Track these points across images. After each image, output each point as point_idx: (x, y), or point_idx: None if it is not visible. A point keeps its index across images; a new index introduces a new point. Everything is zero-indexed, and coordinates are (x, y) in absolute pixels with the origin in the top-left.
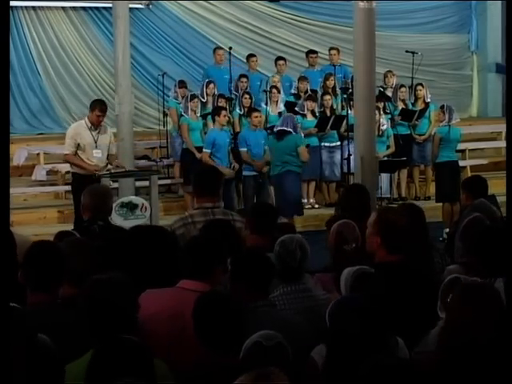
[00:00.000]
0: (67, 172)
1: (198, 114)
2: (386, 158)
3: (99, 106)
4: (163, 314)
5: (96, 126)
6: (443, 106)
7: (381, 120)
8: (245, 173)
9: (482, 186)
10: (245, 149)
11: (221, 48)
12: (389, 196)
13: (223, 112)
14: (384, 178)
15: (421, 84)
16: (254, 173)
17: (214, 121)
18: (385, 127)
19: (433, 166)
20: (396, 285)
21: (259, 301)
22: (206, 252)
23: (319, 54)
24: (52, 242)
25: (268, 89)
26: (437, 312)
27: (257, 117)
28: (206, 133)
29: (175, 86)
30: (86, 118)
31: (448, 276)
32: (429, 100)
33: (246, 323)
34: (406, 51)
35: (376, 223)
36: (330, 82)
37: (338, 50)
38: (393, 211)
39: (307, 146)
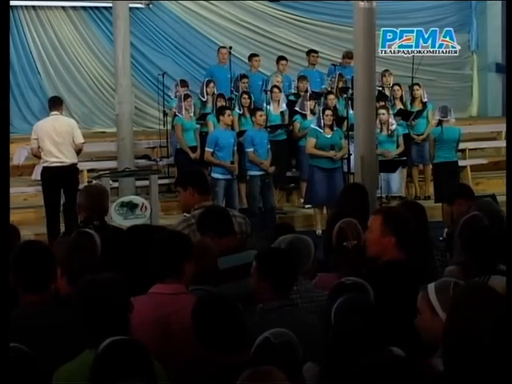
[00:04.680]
0: None
1: (192, 114)
2: (397, 158)
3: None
4: (146, 323)
5: None
6: (439, 106)
7: (390, 120)
8: (251, 172)
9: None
10: (251, 149)
11: (224, 47)
12: (400, 195)
13: (227, 112)
14: (396, 176)
15: (417, 84)
16: (261, 172)
17: (218, 120)
18: (394, 127)
19: (432, 167)
20: (408, 283)
21: (282, 300)
22: (171, 249)
23: (319, 54)
24: (40, 241)
25: (269, 88)
26: None
27: (261, 115)
28: (206, 133)
29: (176, 85)
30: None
31: (448, 276)
32: (426, 100)
33: (244, 323)
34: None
35: (385, 224)
36: (344, 83)
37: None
38: (400, 209)
39: None
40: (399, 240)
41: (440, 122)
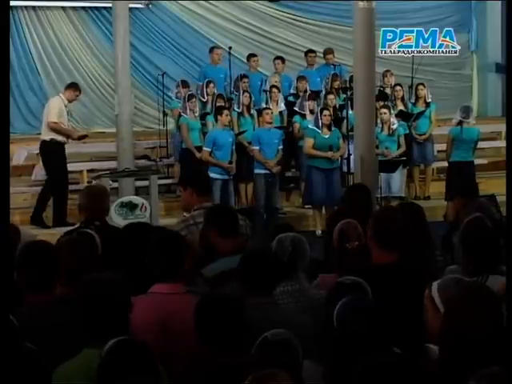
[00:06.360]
0: None
1: (197, 114)
2: (397, 158)
3: (79, 88)
4: (146, 323)
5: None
6: (461, 106)
7: (391, 119)
8: (256, 170)
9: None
10: (257, 147)
11: (219, 47)
12: (401, 195)
13: (225, 112)
14: (396, 176)
15: (422, 84)
16: (265, 171)
17: (216, 120)
18: (395, 126)
19: (448, 165)
20: (390, 286)
21: (262, 298)
22: (169, 250)
23: (319, 54)
24: (45, 241)
25: (268, 88)
26: None
27: (268, 113)
28: (205, 132)
29: (177, 86)
30: (63, 96)
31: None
32: (430, 100)
33: (246, 323)
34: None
35: (371, 224)
36: (338, 84)
37: (333, 52)
38: (385, 210)
39: None
40: (377, 241)
41: (460, 122)
